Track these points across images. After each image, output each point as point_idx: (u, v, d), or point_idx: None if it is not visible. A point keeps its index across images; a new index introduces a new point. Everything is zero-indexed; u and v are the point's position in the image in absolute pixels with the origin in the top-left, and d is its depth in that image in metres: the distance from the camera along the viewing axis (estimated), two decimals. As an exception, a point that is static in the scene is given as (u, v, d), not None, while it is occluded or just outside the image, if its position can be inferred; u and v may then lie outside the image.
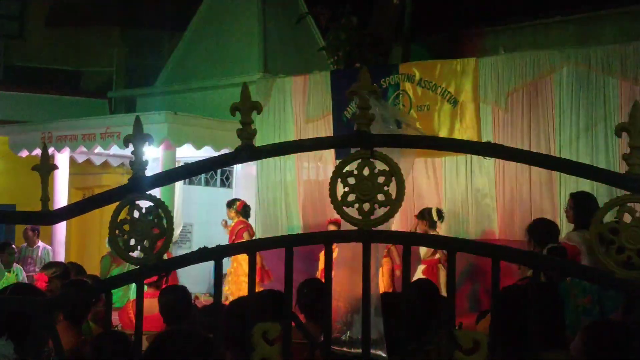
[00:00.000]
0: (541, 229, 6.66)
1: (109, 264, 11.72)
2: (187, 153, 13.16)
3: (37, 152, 13.45)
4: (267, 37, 14.44)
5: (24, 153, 13.64)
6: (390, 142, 1.88)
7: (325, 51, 13.36)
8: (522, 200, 10.51)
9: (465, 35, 16.55)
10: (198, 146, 12.43)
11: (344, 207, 1.83)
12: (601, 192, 9.79)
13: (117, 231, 1.96)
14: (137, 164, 1.97)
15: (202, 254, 1.95)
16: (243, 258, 10.65)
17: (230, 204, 11.80)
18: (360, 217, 1.81)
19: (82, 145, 12.93)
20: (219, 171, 15.88)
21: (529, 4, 16.11)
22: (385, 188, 1.81)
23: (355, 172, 1.84)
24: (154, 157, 12.76)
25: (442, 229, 10.50)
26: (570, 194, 7.48)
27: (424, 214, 10.30)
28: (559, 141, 10.36)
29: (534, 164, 1.69)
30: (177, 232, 13.53)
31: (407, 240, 1.81)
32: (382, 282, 10.06)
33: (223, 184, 15.88)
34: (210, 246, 1.96)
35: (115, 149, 13.01)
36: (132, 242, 1.97)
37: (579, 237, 6.76)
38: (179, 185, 13.96)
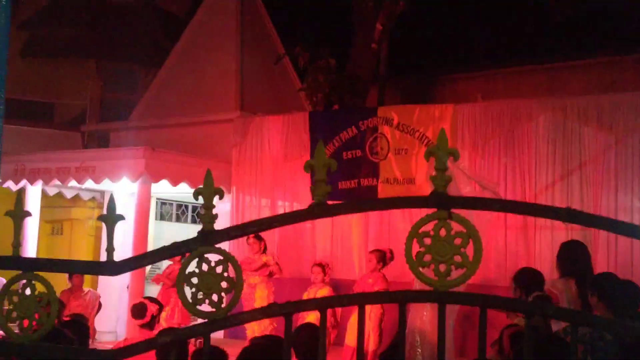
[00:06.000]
0: (527, 277, 6.74)
1: (66, 300, 11.57)
2: (162, 189, 13.09)
3: (9, 184, 13.23)
4: (245, 75, 14.48)
5: (-5, 184, 13.41)
6: (468, 204, 1.93)
7: (303, 92, 13.47)
8: (498, 245, 10.62)
9: (439, 80, 16.83)
10: (175, 182, 12.36)
11: (420, 268, 1.86)
12: (576, 235, 10.01)
13: (185, 284, 1.96)
14: (207, 217, 1.98)
15: (270, 310, 1.96)
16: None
17: (260, 237, 10.84)
18: (436, 278, 1.84)
19: (56, 178, 12.75)
20: (190, 207, 15.83)
21: (501, 52, 16.48)
22: (462, 250, 1.84)
23: (432, 232, 1.87)
24: (131, 192, 12.68)
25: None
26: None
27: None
28: (534, 188, 10.53)
29: (612, 230, 1.74)
30: (148, 267, 13.43)
31: (483, 302, 1.84)
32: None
33: (194, 220, 15.79)
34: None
35: (88, 183, 12.86)
36: (200, 295, 1.97)
37: (563, 284, 6.86)
38: (152, 220, 13.86)
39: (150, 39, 16.82)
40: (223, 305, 1.96)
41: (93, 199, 15.12)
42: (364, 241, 11.78)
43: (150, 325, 6.49)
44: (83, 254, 15.01)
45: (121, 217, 2.06)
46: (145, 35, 16.79)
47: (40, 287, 2.05)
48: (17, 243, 2.07)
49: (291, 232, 12.46)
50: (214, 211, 2.01)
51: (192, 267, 2.00)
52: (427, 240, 1.86)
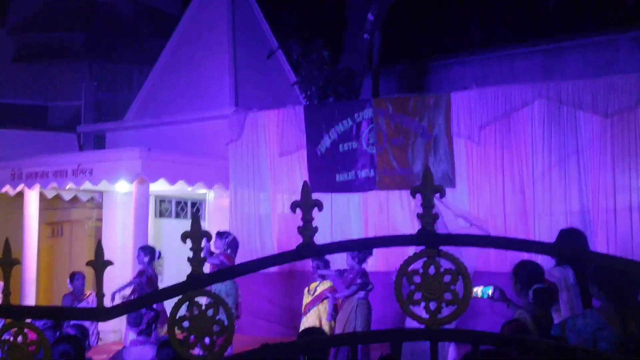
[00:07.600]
0: (527, 271, 6.72)
1: (70, 303, 11.58)
2: (160, 187, 13.09)
3: (7, 188, 13.25)
4: (238, 71, 14.44)
5: (-7, 189, 13.44)
6: (456, 241, 1.92)
7: (298, 86, 13.43)
8: (497, 231, 10.61)
9: (432, 66, 16.77)
10: (172, 181, 12.37)
11: (410, 306, 1.86)
12: (574, 219, 10.02)
13: (175, 329, 1.96)
14: (195, 261, 1.98)
15: (264, 353, 1.95)
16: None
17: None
18: (427, 316, 1.84)
19: (54, 181, 12.76)
20: (189, 203, 15.81)
21: (494, 36, 16.43)
22: (452, 287, 1.84)
23: (421, 270, 1.87)
24: (130, 191, 12.69)
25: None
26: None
27: None
28: (532, 174, 10.51)
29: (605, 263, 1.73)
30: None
31: (475, 339, 1.84)
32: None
33: (194, 217, 15.77)
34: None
35: (86, 185, 12.86)
36: (192, 339, 1.96)
37: (560, 272, 6.86)
38: (151, 218, 13.86)
39: (142, 37, 16.75)
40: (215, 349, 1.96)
41: (92, 199, 15.11)
42: (364, 231, 11.80)
43: (147, 332, 6.50)
44: (84, 255, 15.00)
45: (109, 263, 2.05)
46: (137, 34, 16.72)
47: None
48: (8, 291, 2.06)
49: (291, 225, 12.45)
50: (202, 254, 2.00)
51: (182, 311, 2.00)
52: (417, 279, 1.85)
